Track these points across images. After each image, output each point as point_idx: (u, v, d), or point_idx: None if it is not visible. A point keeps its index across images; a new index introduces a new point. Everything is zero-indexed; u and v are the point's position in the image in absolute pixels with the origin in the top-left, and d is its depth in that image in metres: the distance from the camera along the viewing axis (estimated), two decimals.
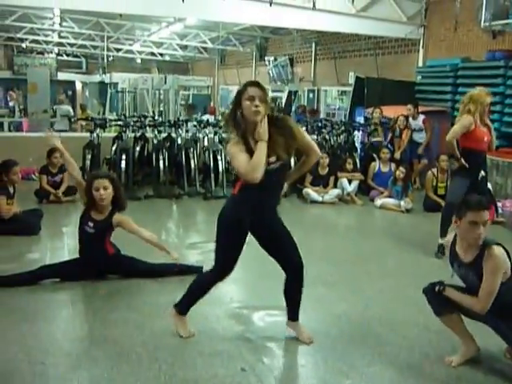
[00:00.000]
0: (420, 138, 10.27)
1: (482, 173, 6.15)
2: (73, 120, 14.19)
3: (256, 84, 3.45)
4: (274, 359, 3.64)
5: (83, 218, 4.99)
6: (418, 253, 6.29)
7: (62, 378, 3.33)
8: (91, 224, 4.91)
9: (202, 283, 3.94)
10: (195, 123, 9.92)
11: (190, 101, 20.45)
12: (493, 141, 6.21)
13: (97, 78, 24.13)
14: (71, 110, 17.02)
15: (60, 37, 24.54)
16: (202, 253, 6.03)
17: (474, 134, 5.97)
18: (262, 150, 3.40)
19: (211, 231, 7.06)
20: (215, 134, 9.65)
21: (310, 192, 8.91)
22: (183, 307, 3.93)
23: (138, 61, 28.88)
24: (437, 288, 3.56)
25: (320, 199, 8.86)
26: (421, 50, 12.70)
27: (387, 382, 3.43)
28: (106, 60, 23.07)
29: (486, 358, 3.74)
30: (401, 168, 8.83)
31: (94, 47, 24.86)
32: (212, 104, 20.86)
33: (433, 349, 3.86)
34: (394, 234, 7.40)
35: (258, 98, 3.36)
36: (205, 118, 12.91)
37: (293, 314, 3.92)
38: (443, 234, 6.06)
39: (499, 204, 8.17)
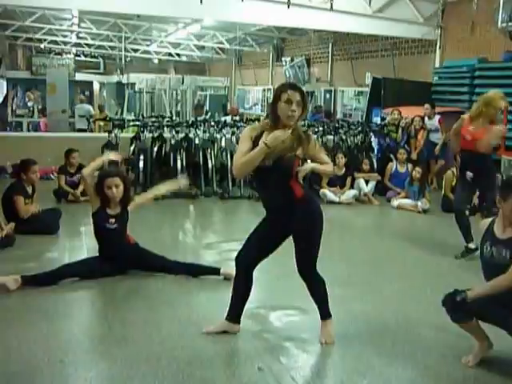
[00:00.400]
0: (436, 138, 10.23)
1: (468, 173, 6.04)
2: (91, 120, 14.29)
3: (296, 88, 3.44)
4: (291, 359, 3.64)
5: (99, 217, 5.07)
6: (436, 253, 6.27)
7: (81, 377, 3.36)
8: (112, 220, 5.02)
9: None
10: (213, 123, 9.94)
11: (207, 101, 20.51)
12: (487, 139, 5.93)
13: (114, 78, 24.26)
14: (92, 109, 17.18)
15: (78, 37, 24.72)
16: (219, 252, 6.07)
17: (461, 133, 6.01)
18: (257, 152, 3.43)
19: (228, 231, 7.23)
20: (233, 134, 9.68)
21: (327, 193, 8.91)
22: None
23: (155, 61, 29.01)
24: (458, 298, 3.48)
25: (337, 200, 8.86)
26: (438, 51, 12.63)
27: (405, 382, 3.43)
28: (123, 61, 23.20)
29: (503, 361, 3.74)
30: (417, 168, 8.80)
31: (112, 48, 25.00)
32: (233, 105, 20.93)
33: (450, 349, 3.84)
34: (411, 235, 7.38)
35: (296, 102, 3.37)
36: (224, 118, 13.00)
37: (320, 312, 3.96)
38: (468, 238, 6.04)
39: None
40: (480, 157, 5.92)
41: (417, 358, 3.73)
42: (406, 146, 10.05)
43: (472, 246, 5.96)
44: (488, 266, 3.64)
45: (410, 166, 9.26)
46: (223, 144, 9.67)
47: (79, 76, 26.01)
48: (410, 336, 4.08)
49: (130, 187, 5.26)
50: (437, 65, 12.57)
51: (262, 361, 3.55)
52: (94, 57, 29.09)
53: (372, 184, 9.14)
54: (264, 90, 22.88)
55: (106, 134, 9.02)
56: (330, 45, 17.64)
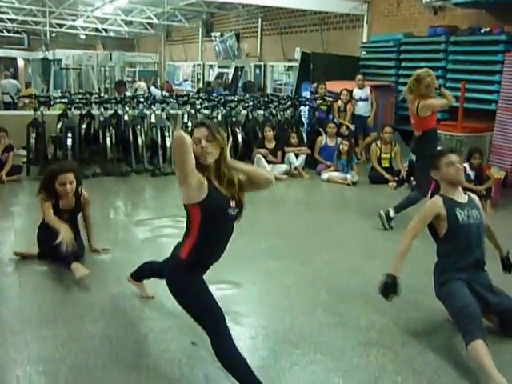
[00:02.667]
0: (365, 111, 10.42)
1: (411, 155, 6.25)
2: (15, 98, 13.77)
3: (202, 125, 3.08)
4: None
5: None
6: (365, 224, 6.42)
7: (11, 359, 3.29)
8: (66, 216, 4.80)
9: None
10: (142, 100, 9.78)
11: (137, 77, 20.15)
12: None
13: (40, 54, 23.37)
14: (19, 85, 16.50)
15: None
16: (151, 229, 6.02)
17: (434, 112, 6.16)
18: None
19: (159, 207, 7.19)
20: (162, 110, 9.56)
21: (262, 161, 8.89)
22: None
23: (82, 37, 28.14)
24: (388, 281, 3.62)
25: (268, 169, 8.83)
26: (365, 26, 12.81)
27: (336, 350, 3.50)
28: (48, 36, 22.39)
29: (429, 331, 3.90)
30: (344, 141, 8.94)
31: (36, 23, 24.06)
32: (163, 81, 20.64)
33: (379, 317, 3.97)
34: (341, 207, 7.55)
35: (205, 139, 3.00)
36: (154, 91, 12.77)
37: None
38: (399, 209, 6.18)
39: None
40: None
41: (347, 325, 3.83)
42: (334, 119, 10.19)
43: (393, 215, 6.15)
44: (469, 230, 3.73)
45: (339, 139, 9.40)
46: (153, 120, 9.54)
47: (2, 52, 24.94)
48: (340, 305, 4.17)
49: (81, 179, 5.03)
50: (364, 39, 12.76)
51: (195, 335, 3.54)
52: (18, 32, 27.91)
53: (302, 158, 9.23)
54: (194, 66, 22.68)
55: (32, 112, 8.69)
56: (260, 20, 17.60)
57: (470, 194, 3.95)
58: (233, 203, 3.11)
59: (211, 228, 3.04)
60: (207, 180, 2.99)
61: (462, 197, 3.83)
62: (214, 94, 12.34)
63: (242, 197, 3.19)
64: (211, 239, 3.08)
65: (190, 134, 2.98)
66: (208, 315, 3.03)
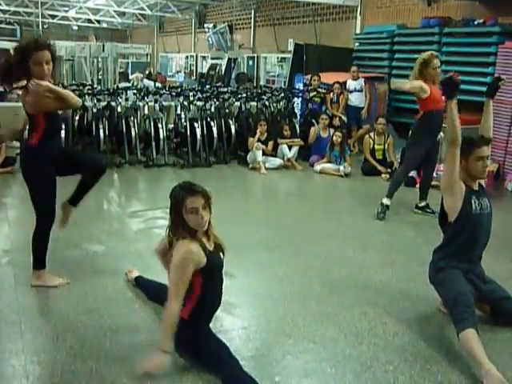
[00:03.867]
0: (359, 102, 10.43)
1: (441, 134, 6.39)
2: (8, 90, 13.67)
3: (198, 192, 3.12)
4: (217, 322, 3.62)
5: None
6: (357, 215, 6.46)
7: (7, 349, 3.29)
8: None
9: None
10: (135, 91, 9.75)
11: (130, 69, 20.07)
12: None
13: None
14: None
15: None
16: (144, 221, 6.02)
17: (432, 94, 6.14)
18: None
19: (153, 199, 7.19)
20: (155, 101, 9.54)
21: (259, 152, 8.84)
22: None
23: (75, 28, 27.96)
24: None
25: (260, 159, 8.82)
26: (358, 17, 12.81)
27: (328, 340, 3.52)
28: (40, 27, 22.22)
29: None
30: (337, 133, 8.94)
31: (28, 14, 23.86)
32: (156, 71, 20.54)
33: (371, 307, 4.00)
34: (334, 198, 7.57)
35: (202, 206, 3.06)
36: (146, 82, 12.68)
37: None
38: (390, 195, 6.25)
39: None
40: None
41: (340, 316, 3.85)
42: (327, 111, 10.20)
43: (387, 202, 6.24)
44: (480, 221, 3.73)
45: (331, 130, 9.41)
46: (146, 111, 9.52)
47: None
48: (333, 296, 4.18)
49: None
50: (357, 31, 12.76)
51: None
52: (10, 23, 27.66)
53: (295, 149, 9.23)
54: (187, 57, 22.60)
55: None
56: (253, 11, 17.56)
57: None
58: (221, 254, 3.22)
59: (212, 284, 3.15)
60: (198, 243, 3.06)
61: (475, 184, 3.78)
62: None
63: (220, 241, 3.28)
64: (213, 292, 3.20)
65: (180, 201, 3.08)
66: (224, 366, 3.01)
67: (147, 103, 9.59)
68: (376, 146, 8.86)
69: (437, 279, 3.74)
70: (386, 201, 6.26)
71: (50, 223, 4.15)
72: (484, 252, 3.85)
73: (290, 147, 9.19)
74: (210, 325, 3.27)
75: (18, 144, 8.54)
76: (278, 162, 9.06)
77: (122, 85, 11.47)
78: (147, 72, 17.67)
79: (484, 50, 9.18)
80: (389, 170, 8.52)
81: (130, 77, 17.07)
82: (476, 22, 9.57)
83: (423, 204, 6.64)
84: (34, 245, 4.16)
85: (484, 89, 9.07)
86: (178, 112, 9.71)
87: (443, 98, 6.00)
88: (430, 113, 6.25)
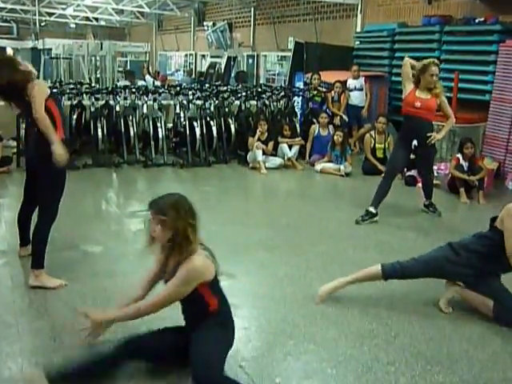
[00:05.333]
0: (360, 101, 10.39)
1: (415, 142, 6.29)
2: None
3: (150, 207, 3.08)
4: None
5: None
6: (358, 215, 6.37)
7: (3, 351, 3.26)
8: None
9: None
10: (134, 90, 9.71)
11: (128, 67, 20.02)
12: (444, 110, 6.31)
13: (29, 43, 23.12)
14: None
15: None
16: (143, 221, 5.95)
17: (406, 98, 6.13)
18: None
19: (152, 199, 7.09)
20: (154, 100, 9.50)
21: (259, 152, 8.78)
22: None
23: (73, 26, 27.87)
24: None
25: (260, 158, 8.77)
26: (359, 15, 12.76)
27: (329, 341, 3.50)
28: (38, 25, 22.13)
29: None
30: (338, 132, 8.90)
31: (25, 11, 23.75)
32: (154, 70, 20.50)
33: (373, 308, 3.98)
34: (334, 198, 7.53)
35: (153, 221, 3.00)
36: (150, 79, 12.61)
37: None
38: (376, 203, 6.17)
39: (435, 167, 8.39)
40: (428, 124, 6.14)
41: (341, 316, 3.83)
42: (327, 110, 10.15)
43: (374, 210, 6.12)
44: None
45: (331, 129, 9.36)
46: (145, 111, 9.47)
47: None
48: (333, 296, 4.15)
49: None
50: (358, 29, 12.71)
51: None
52: (6, 21, 27.59)
53: (295, 149, 9.19)
54: (186, 56, 22.55)
55: None
56: (252, 9, 17.52)
57: None
58: None
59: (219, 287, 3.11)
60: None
61: None
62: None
63: None
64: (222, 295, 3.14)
65: None
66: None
67: (146, 102, 9.54)
68: (377, 145, 8.82)
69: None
70: (371, 209, 6.16)
71: (52, 223, 4.19)
72: None
73: (290, 146, 9.14)
74: None
75: (14, 143, 8.52)
76: (278, 161, 9.02)
77: (121, 83, 11.44)
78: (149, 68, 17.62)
79: (485, 48, 9.15)
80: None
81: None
82: (477, 21, 9.53)
83: (427, 203, 6.60)
84: (35, 244, 4.16)
85: (484, 87, 9.20)
86: (177, 111, 9.67)
87: (422, 105, 5.98)
88: (404, 116, 6.28)
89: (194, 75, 19.97)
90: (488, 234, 3.84)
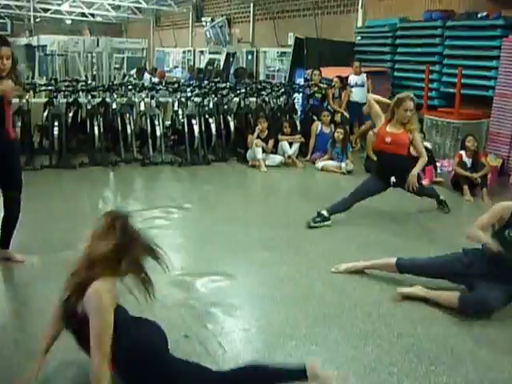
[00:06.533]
0: (361, 98, 10.28)
1: (393, 179, 5.96)
2: None
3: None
4: (217, 325, 3.60)
5: None
6: (359, 214, 6.29)
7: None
8: None
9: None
10: (130, 87, 9.60)
11: (125, 64, 19.94)
12: (417, 149, 5.94)
13: (23, 40, 22.99)
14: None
15: None
16: (141, 221, 5.87)
17: (377, 133, 6.01)
18: None
19: (150, 198, 7.07)
20: (152, 98, 9.40)
21: (258, 149, 8.66)
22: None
23: (68, 22, 27.68)
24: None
25: (260, 156, 8.68)
26: (360, 10, 12.69)
27: (331, 342, 3.45)
28: (32, 21, 21.99)
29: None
30: (339, 130, 8.81)
31: (20, 7, 23.57)
32: (151, 66, 20.41)
33: (375, 308, 3.91)
34: (336, 196, 7.37)
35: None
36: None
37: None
38: (333, 211, 5.91)
39: (438, 164, 8.32)
40: (402, 158, 5.86)
41: (343, 317, 3.77)
42: (328, 107, 10.05)
43: (326, 214, 5.85)
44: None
45: (333, 126, 9.26)
46: (142, 108, 9.36)
47: None
48: (335, 296, 4.11)
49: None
50: (359, 24, 12.63)
51: (188, 328, 3.51)
52: (0, 17, 27.37)
53: (296, 146, 9.09)
54: (184, 52, 22.45)
55: (17, 100, 8.49)
56: (252, 4, 17.41)
57: None
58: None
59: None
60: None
61: None
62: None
63: None
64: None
65: None
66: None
67: (143, 99, 9.43)
68: None
69: None
70: (324, 212, 5.89)
71: None
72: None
73: (290, 144, 9.04)
74: (210, 327, 3.13)
75: None
76: (278, 159, 8.93)
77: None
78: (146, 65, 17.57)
79: (488, 43, 9.11)
80: None
81: (132, 71, 16.86)
82: (479, 15, 9.47)
83: (437, 202, 6.53)
84: (14, 223, 4.38)
85: (488, 83, 9.14)
86: (176, 108, 9.56)
87: (392, 141, 5.80)
88: (376, 153, 6.17)
89: (195, 72, 19.82)
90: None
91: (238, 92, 10.08)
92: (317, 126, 9.38)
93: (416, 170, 5.85)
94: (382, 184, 5.99)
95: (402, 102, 5.75)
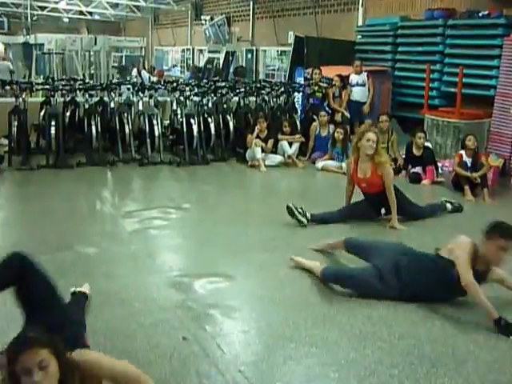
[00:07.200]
0: (362, 97, 10.22)
1: (383, 211, 5.90)
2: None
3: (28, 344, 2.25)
4: (216, 326, 3.57)
5: None
6: None
7: None
8: None
9: None
10: (129, 86, 9.54)
11: (124, 62, 19.91)
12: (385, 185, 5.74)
13: (20, 38, 22.86)
14: (11, 65, 16.06)
15: None
16: (139, 221, 5.85)
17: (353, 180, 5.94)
18: None
19: (148, 198, 7.03)
20: (150, 97, 9.34)
21: (257, 149, 8.59)
22: None
23: (66, 20, 27.57)
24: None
25: (259, 156, 8.61)
26: (360, 9, 12.66)
27: (331, 344, 3.41)
28: (29, 19, 21.88)
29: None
30: (339, 129, 8.75)
31: (17, 5, 23.46)
32: (149, 65, 20.35)
33: (376, 309, 3.87)
34: (336, 197, 7.31)
35: (37, 365, 2.22)
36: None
37: None
38: (317, 218, 5.81)
39: (439, 164, 8.26)
40: (383, 194, 5.75)
41: (343, 319, 3.73)
42: (326, 107, 9.98)
43: (308, 215, 5.74)
44: None
45: (331, 127, 9.17)
46: (141, 107, 9.30)
47: None
48: (336, 297, 4.07)
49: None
50: (360, 23, 12.58)
51: (186, 330, 3.47)
52: None
53: (296, 146, 9.02)
54: (183, 51, 22.38)
55: (13, 99, 8.44)
56: (251, 2, 17.34)
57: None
58: None
59: None
60: None
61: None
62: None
63: None
64: None
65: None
66: None
67: (141, 98, 9.36)
68: (380, 145, 8.62)
69: None
70: (308, 214, 5.79)
71: None
72: None
73: (290, 143, 8.98)
74: (209, 329, 3.05)
75: (6, 142, 8.38)
76: (278, 158, 8.87)
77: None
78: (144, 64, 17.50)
79: (489, 42, 9.11)
80: (393, 166, 8.27)
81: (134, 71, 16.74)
82: (481, 14, 9.48)
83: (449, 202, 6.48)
84: None
85: (489, 82, 9.09)
86: (174, 108, 9.49)
87: (367, 186, 5.77)
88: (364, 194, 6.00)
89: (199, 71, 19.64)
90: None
91: (238, 91, 10.02)
92: (316, 127, 9.31)
93: (394, 219, 5.71)
94: (373, 214, 5.95)
95: (362, 135, 5.72)
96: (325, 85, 10.20)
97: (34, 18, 23.81)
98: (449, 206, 6.37)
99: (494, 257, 3.74)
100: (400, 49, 10.90)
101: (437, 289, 3.92)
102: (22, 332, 2.57)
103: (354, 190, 6.04)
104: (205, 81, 11.31)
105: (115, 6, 23.70)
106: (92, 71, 16.26)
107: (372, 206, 5.93)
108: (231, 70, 16.54)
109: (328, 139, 8.93)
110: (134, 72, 15.27)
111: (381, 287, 3.99)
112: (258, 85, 10.60)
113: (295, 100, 10.70)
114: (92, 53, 16.52)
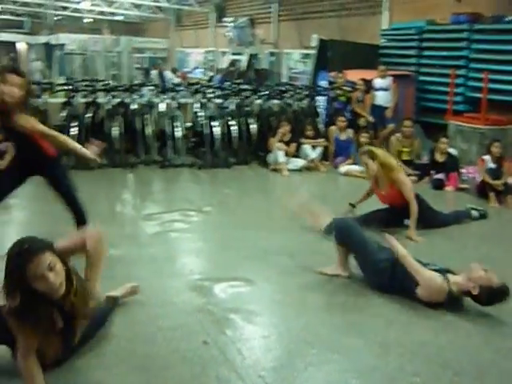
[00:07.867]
0: (385, 102, 10.13)
1: (406, 220, 5.79)
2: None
3: (36, 251, 2.73)
4: (236, 331, 3.56)
5: None
6: None
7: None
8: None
9: None
10: (151, 88, 9.56)
11: (147, 64, 20.01)
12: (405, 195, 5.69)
13: (42, 38, 22.98)
14: (40, 66, 16.16)
15: None
16: (160, 224, 5.86)
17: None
18: None
19: (169, 201, 7.04)
20: (172, 99, 9.36)
21: (280, 153, 8.61)
22: None
23: (88, 21, 27.69)
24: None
25: (282, 160, 8.60)
26: (385, 13, 12.55)
27: (352, 351, 3.38)
28: (51, 20, 21.98)
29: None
30: (363, 134, 8.70)
31: (39, 5, 23.58)
32: (171, 66, 20.45)
33: (397, 316, 3.84)
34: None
35: (47, 267, 2.73)
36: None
37: None
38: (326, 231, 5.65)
39: (463, 170, 8.16)
40: (406, 206, 5.69)
41: (364, 325, 3.71)
42: (350, 112, 9.91)
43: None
44: None
45: (350, 131, 9.13)
46: (162, 109, 9.27)
47: (3, 36, 24.53)
48: (358, 304, 4.05)
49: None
50: (384, 26, 12.49)
51: (206, 334, 3.46)
52: (19, 15, 27.38)
53: (319, 150, 8.99)
54: (206, 53, 22.39)
55: (34, 99, 8.48)
56: (275, 4, 17.32)
57: None
58: None
59: None
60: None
61: None
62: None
63: None
64: None
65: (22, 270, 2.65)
66: None
67: (163, 100, 9.37)
68: (403, 149, 8.60)
69: None
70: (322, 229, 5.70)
71: None
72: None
73: (313, 147, 8.94)
74: (229, 333, 3.06)
75: None
76: (300, 163, 8.84)
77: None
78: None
79: None
80: (416, 172, 8.19)
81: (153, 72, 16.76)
82: (507, 19, 9.33)
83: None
84: None
85: None
86: (196, 110, 9.50)
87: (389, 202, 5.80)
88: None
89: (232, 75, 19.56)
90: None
91: (261, 94, 10.00)
92: (334, 131, 9.27)
93: (412, 230, 5.61)
94: (397, 223, 5.87)
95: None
96: (349, 89, 10.14)
97: (56, 19, 23.93)
98: (474, 212, 6.28)
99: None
100: (425, 53, 10.79)
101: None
102: (17, 243, 2.76)
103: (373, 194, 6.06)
104: (227, 83, 11.31)
105: (138, 6, 23.76)
106: (114, 72, 16.29)
107: (396, 216, 5.87)
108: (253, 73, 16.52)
109: (348, 143, 8.90)
110: (154, 73, 15.31)
111: (377, 258, 4.19)
112: (282, 88, 10.58)
113: (318, 104, 10.65)
114: (114, 54, 16.54)
